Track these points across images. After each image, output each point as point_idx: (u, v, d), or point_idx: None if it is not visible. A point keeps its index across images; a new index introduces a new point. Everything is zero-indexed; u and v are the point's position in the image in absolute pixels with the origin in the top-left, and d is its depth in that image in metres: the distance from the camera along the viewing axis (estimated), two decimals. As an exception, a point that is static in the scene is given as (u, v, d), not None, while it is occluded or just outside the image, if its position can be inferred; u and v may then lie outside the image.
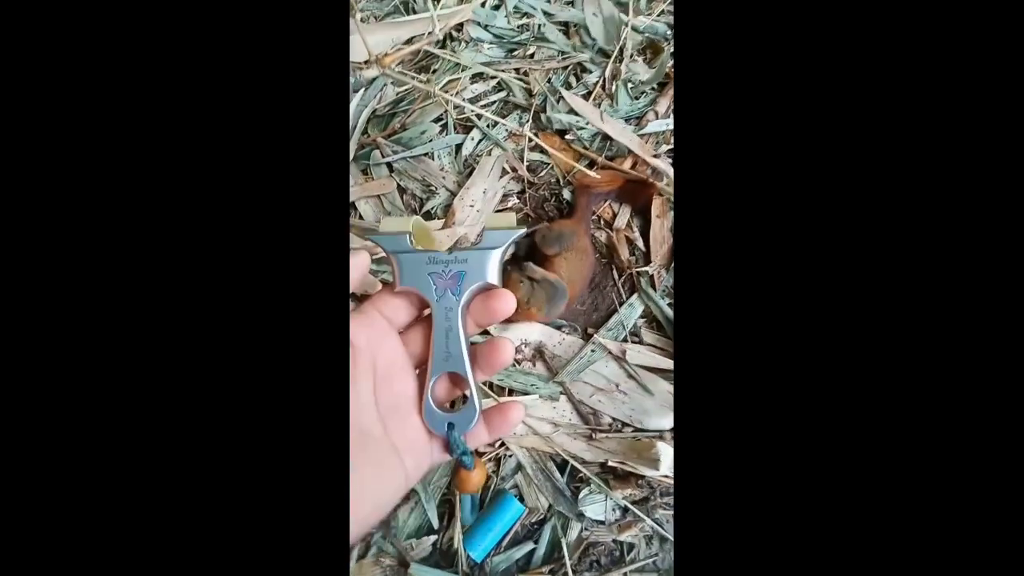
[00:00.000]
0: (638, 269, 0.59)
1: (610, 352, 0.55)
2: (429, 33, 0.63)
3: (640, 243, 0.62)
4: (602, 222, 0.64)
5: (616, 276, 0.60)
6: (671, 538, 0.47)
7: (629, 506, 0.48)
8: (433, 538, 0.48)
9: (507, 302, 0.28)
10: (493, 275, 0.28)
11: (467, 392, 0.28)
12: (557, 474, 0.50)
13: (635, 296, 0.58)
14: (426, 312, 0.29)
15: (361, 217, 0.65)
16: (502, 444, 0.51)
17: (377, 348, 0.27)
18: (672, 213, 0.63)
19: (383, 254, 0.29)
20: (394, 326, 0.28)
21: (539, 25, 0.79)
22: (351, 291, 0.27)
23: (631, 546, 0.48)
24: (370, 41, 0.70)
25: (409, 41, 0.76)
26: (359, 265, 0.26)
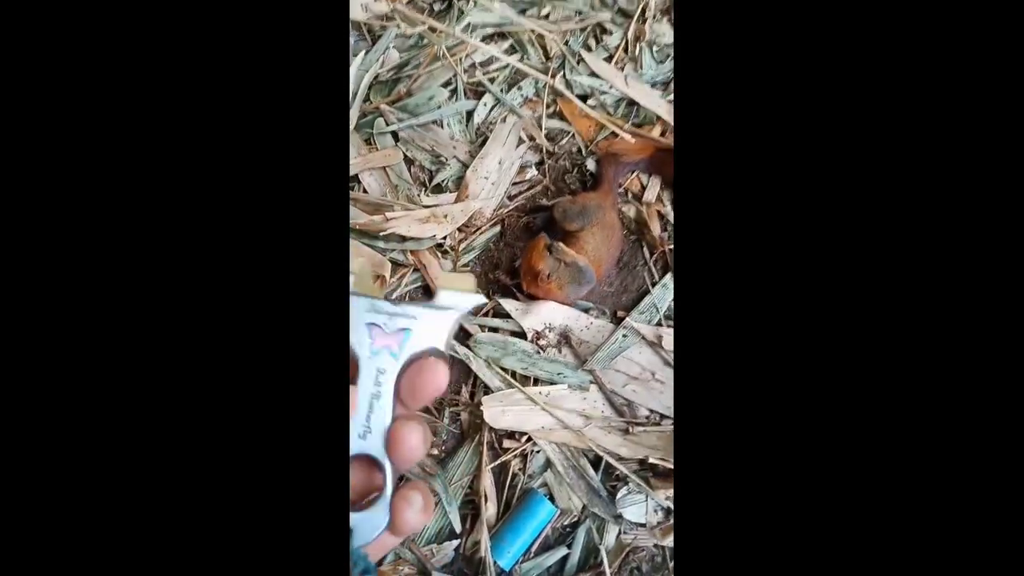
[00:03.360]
0: (671, 246, 0.54)
1: (643, 337, 0.50)
2: None
3: (672, 217, 0.57)
4: (630, 195, 0.59)
5: (647, 254, 0.55)
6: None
7: (672, 507, 0.43)
8: (455, 543, 0.44)
9: (438, 378, 0.22)
10: (443, 342, 0.22)
11: (381, 483, 0.21)
12: (591, 471, 0.45)
13: (669, 276, 0.53)
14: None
15: (365, 191, 0.59)
16: (529, 439, 0.46)
17: None
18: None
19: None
20: None
21: (555, -18, 0.72)
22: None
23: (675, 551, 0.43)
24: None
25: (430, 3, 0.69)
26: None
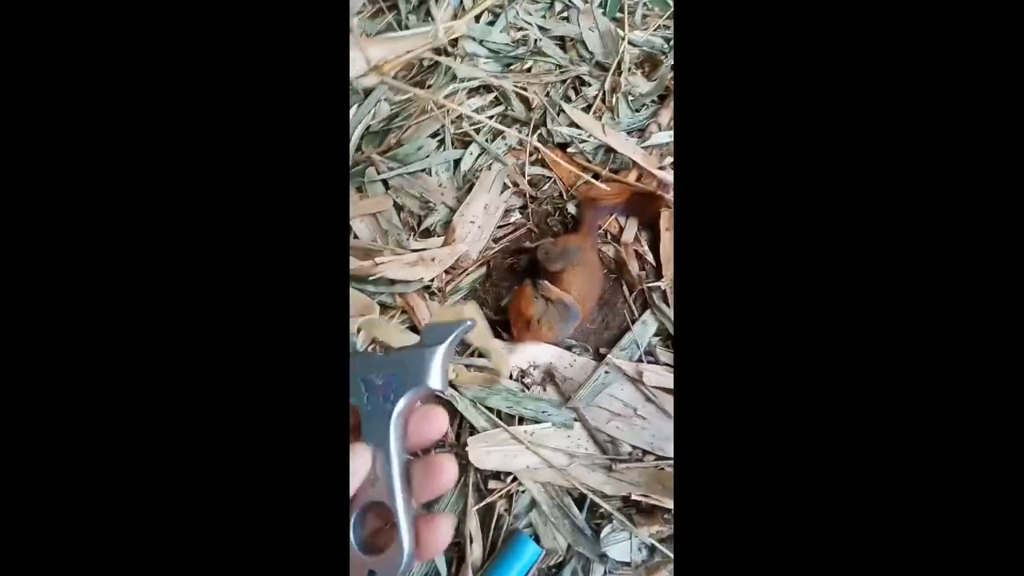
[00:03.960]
0: (649, 284, 0.56)
1: (625, 374, 0.51)
2: (433, 39, 0.61)
3: (650, 257, 0.59)
4: (609, 236, 0.61)
5: (627, 292, 0.57)
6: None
7: (656, 545, 0.43)
8: (441, 587, 0.44)
9: (437, 422, 0.23)
10: (436, 378, 0.23)
11: (394, 527, 0.22)
12: (575, 510, 0.45)
13: (648, 313, 0.55)
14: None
15: (356, 237, 0.62)
16: (514, 479, 0.47)
17: None
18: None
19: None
20: None
21: (535, 39, 0.78)
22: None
23: (660, 589, 0.43)
24: (361, 58, 0.68)
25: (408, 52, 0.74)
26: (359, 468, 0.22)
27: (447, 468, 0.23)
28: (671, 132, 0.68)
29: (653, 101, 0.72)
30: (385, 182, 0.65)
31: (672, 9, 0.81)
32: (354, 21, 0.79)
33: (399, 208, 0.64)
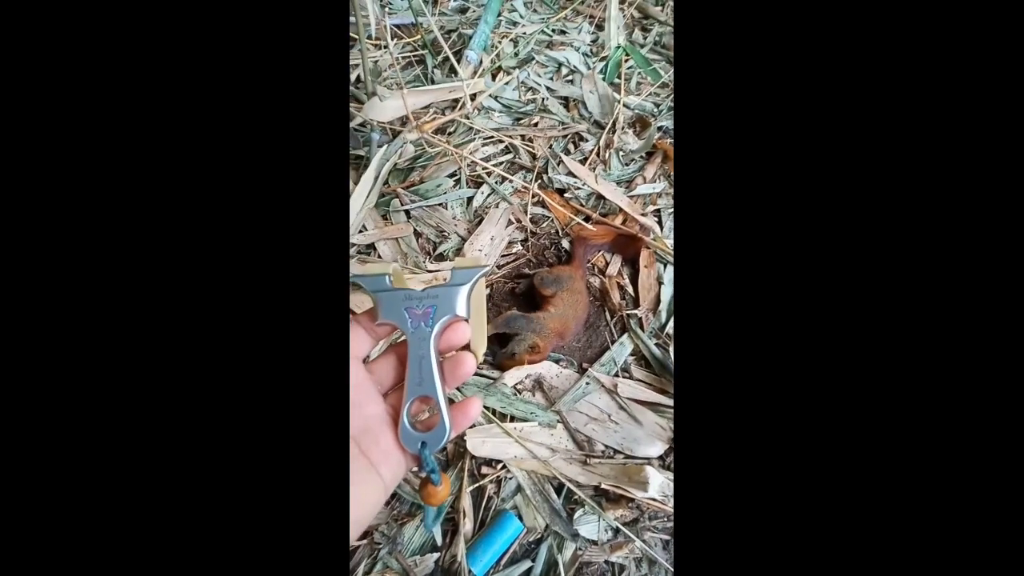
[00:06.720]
0: (628, 312, 0.66)
1: (603, 385, 0.60)
2: (462, 106, 0.73)
3: (630, 289, 0.69)
4: (596, 269, 0.72)
5: (608, 317, 0.67)
6: (660, 560, 0.50)
7: (620, 527, 0.51)
8: (436, 555, 0.51)
9: (462, 333, 0.31)
10: (461, 308, 0.30)
11: (437, 411, 0.29)
12: (554, 495, 0.53)
13: (625, 336, 0.65)
14: (399, 338, 0.31)
15: (379, 256, 0.72)
16: (503, 467, 0.55)
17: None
18: (659, 264, 0.70)
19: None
20: (358, 357, 0.30)
21: (543, 99, 0.90)
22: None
23: (621, 567, 0.51)
24: (393, 105, 0.80)
25: (441, 111, 0.87)
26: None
27: (468, 361, 0.30)
28: (655, 184, 0.79)
29: (641, 157, 0.83)
30: (407, 212, 0.76)
31: (663, 79, 0.94)
32: (389, 72, 0.92)
33: (418, 235, 0.74)
